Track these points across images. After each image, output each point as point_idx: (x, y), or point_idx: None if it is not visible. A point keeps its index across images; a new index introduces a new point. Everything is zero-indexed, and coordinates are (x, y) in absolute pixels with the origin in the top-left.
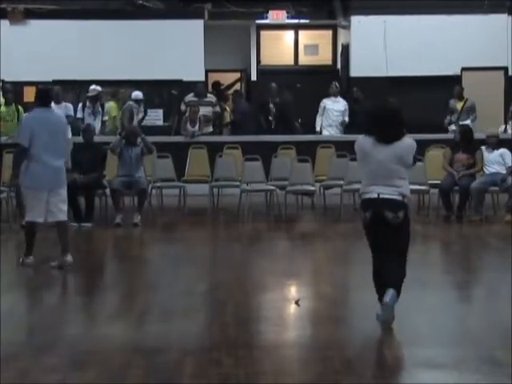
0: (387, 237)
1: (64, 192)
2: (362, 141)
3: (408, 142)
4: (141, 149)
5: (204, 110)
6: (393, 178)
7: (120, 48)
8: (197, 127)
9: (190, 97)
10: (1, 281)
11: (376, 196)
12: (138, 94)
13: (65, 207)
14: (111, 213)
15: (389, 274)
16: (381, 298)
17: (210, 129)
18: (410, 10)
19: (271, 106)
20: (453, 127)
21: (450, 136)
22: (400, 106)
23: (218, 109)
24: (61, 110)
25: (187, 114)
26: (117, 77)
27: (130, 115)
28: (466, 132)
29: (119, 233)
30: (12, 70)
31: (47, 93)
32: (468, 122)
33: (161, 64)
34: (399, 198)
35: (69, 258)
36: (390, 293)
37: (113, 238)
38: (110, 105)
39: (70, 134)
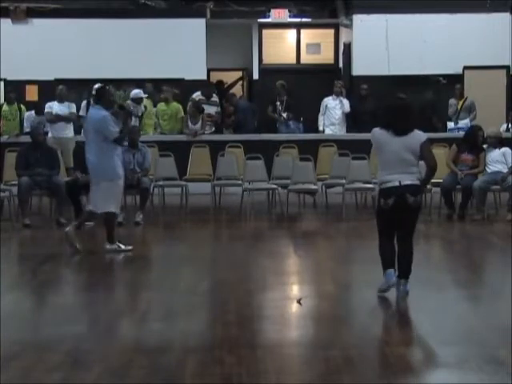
0: (406, 219)
1: (105, 184)
2: (378, 133)
3: (419, 133)
4: (143, 156)
5: (210, 110)
6: (408, 166)
7: (122, 47)
8: (198, 125)
9: (198, 95)
10: (2, 280)
11: (398, 184)
12: (136, 92)
13: (106, 198)
14: None
15: (403, 261)
16: (387, 265)
17: (213, 129)
18: (412, 9)
19: (278, 103)
20: (452, 125)
21: (451, 135)
22: (411, 102)
23: (219, 109)
24: (64, 108)
25: (188, 109)
26: (119, 75)
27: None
28: (470, 133)
29: (121, 232)
30: (14, 69)
31: (99, 91)
32: (467, 120)
33: (163, 63)
34: (417, 182)
35: (107, 246)
36: (405, 284)
37: (114, 237)
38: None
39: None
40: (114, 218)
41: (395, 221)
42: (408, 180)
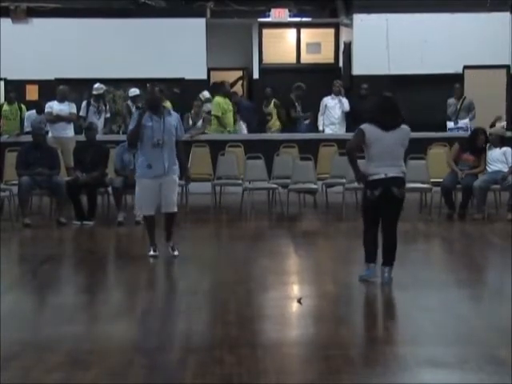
0: (390, 210)
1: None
2: (369, 128)
3: (406, 127)
4: None
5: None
6: (396, 159)
7: (122, 46)
8: (199, 123)
9: (206, 93)
10: (2, 279)
11: (384, 176)
12: (133, 90)
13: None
14: (113, 211)
15: (388, 249)
16: (370, 259)
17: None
18: (412, 9)
19: (296, 104)
20: (452, 125)
21: (451, 134)
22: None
23: None
24: (64, 107)
25: (193, 109)
26: (119, 75)
27: (128, 114)
28: (472, 135)
29: (121, 231)
30: (14, 69)
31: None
32: (466, 120)
33: (163, 62)
34: (402, 175)
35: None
36: (389, 271)
37: (115, 237)
38: (217, 100)
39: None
40: (149, 221)
41: (380, 211)
42: (393, 172)
